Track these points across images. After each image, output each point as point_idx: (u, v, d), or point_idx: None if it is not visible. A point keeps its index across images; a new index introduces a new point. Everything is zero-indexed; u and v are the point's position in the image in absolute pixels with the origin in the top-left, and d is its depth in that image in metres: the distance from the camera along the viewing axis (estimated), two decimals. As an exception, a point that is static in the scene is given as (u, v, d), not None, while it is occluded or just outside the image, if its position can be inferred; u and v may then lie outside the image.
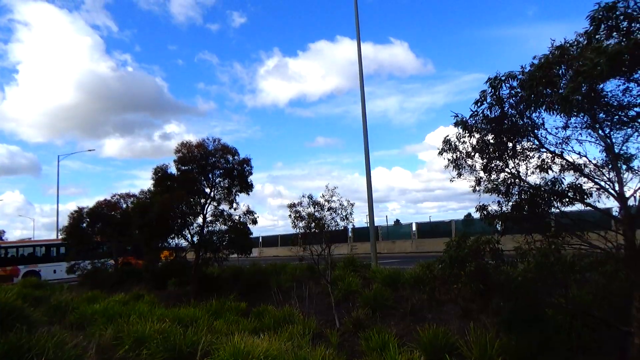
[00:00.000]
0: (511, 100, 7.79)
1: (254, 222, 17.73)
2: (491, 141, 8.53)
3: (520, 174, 8.77)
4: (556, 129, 7.81)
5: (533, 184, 8.54)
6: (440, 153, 9.39)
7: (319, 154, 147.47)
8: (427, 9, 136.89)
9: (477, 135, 8.55)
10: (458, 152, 9.26)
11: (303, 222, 12.30)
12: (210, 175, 17.81)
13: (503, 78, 7.58)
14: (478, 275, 7.55)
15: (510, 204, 8.65)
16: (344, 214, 12.21)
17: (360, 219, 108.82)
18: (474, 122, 8.30)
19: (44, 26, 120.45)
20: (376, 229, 33.92)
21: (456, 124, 8.53)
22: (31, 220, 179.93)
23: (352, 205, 12.32)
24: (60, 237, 26.20)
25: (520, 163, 8.82)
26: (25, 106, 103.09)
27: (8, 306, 6.98)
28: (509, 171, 8.93)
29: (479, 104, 8.02)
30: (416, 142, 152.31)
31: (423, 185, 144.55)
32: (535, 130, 8.06)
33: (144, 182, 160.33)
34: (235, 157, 17.88)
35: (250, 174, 18.03)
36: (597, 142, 7.54)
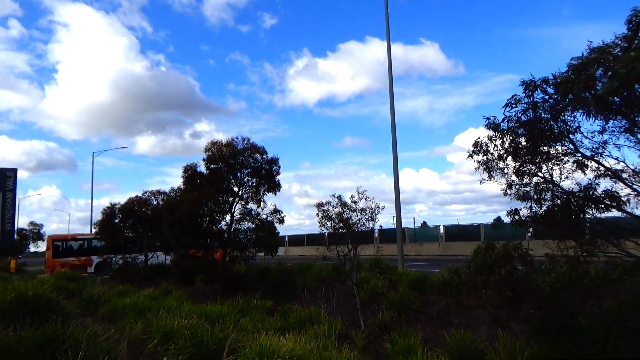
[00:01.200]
0: (545, 105, 7.65)
1: (281, 221, 17.81)
2: (524, 144, 8.39)
3: (554, 178, 8.61)
4: (592, 133, 7.64)
5: (567, 189, 8.35)
6: (471, 155, 9.32)
7: (346, 154, 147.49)
8: (459, 9, 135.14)
9: (509, 138, 8.43)
10: (489, 154, 9.18)
11: (330, 222, 12.36)
12: (238, 174, 18.01)
13: (538, 83, 7.45)
14: (507, 281, 7.44)
15: (543, 209, 8.51)
16: (370, 214, 12.23)
17: (386, 220, 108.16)
18: (506, 125, 8.19)
19: (82, 27, 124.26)
20: (403, 230, 33.63)
21: (488, 127, 8.44)
22: (67, 215, 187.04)
23: (380, 208, 12.35)
24: (94, 231, 27.09)
25: (553, 167, 8.67)
26: (64, 104, 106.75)
27: (44, 298, 7.21)
28: (541, 175, 8.79)
29: (511, 107, 7.91)
30: (445, 143, 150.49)
31: (451, 187, 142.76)
32: (570, 135, 7.89)
33: (174, 179, 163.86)
34: (264, 157, 18.02)
35: (278, 173, 18.14)
36: (636, 146, 7.32)
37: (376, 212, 12.26)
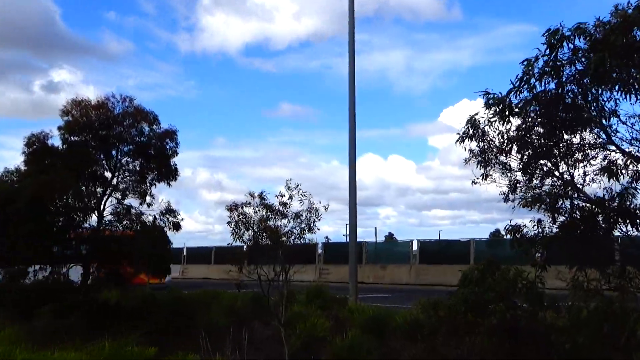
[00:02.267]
0: (573, 69, 7.81)
1: (177, 227, 17.73)
2: (538, 130, 8.58)
3: (575, 180, 8.88)
4: (633, 118, 7.90)
5: (592, 196, 8.63)
6: (462, 140, 9.49)
7: (283, 129, 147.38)
8: None
9: (516, 120, 8.60)
10: (487, 141, 9.37)
11: (250, 231, 12.35)
12: (114, 153, 17.75)
13: (568, 33, 7.56)
14: (507, 325, 7.62)
15: (558, 223, 8.77)
16: (308, 220, 12.37)
17: (336, 229, 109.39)
18: (515, 99, 8.33)
19: None
20: (359, 246, 34.56)
21: (488, 106, 8.57)
22: None
23: (323, 210, 12.45)
24: None
25: (576, 165, 8.94)
26: None
27: None
28: (558, 175, 9.04)
29: (523, 80, 8.03)
30: (426, 119, 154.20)
31: (432, 185, 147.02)
32: (603, 120, 8.13)
33: (10, 155, 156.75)
34: (155, 127, 17.83)
35: (176, 153, 17.98)
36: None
37: (316, 217, 12.34)
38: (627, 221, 8.22)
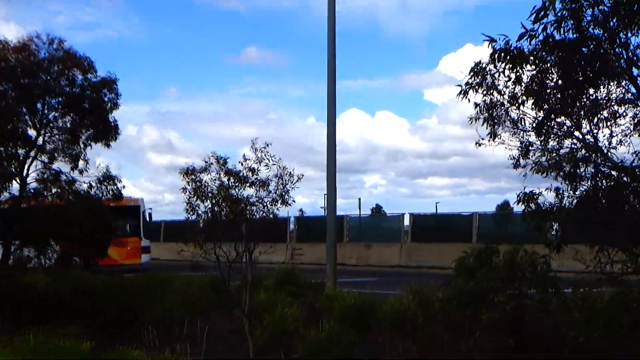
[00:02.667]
0: (596, 11, 7.79)
1: (117, 196, 17.73)
2: (556, 81, 8.57)
3: (600, 143, 8.90)
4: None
5: (619, 162, 8.66)
6: (465, 93, 9.47)
7: (249, 79, 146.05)
8: None
9: (531, 69, 8.58)
10: (496, 93, 9.37)
11: (207, 202, 12.42)
12: (39, 106, 17.66)
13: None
14: (513, 321, 7.70)
15: (578, 193, 8.81)
16: (280, 189, 12.45)
17: (312, 201, 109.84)
18: (528, 45, 8.33)
19: None
20: (339, 220, 33.86)
21: (496, 57, 8.55)
22: None
23: (297, 178, 12.55)
24: None
25: (600, 124, 8.95)
26: None
27: None
28: (579, 137, 9.05)
29: (539, 17, 8.01)
30: (423, 68, 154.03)
31: (429, 147, 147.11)
32: (634, 70, 8.13)
33: None
34: (90, 76, 17.71)
35: (116, 106, 17.87)
36: None
37: (289, 185, 12.39)
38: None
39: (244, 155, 12.43)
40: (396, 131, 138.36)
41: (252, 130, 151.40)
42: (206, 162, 12.43)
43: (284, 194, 12.44)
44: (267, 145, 12.32)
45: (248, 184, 12.41)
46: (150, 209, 38.28)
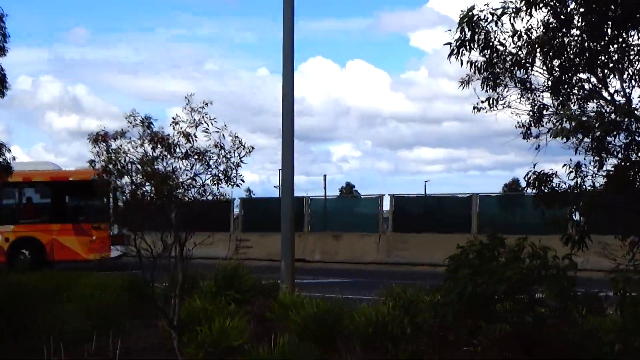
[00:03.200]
0: None
1: (5, 168, 17.90)
2: (576, 24, 8.57)
3: (634, 104, 8.90)
4: None
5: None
6: (455, 51, 9.37)
7: (181, 17, 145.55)
8: None
9: (542, 14, 8.63)
10: (496, 48, 9.30)
11: (126, 178, 12.50)
12: None
13: None
14: (520, 332, 7.70)
15: (605, 169, 8.78)
16: (226, 163, 12.52)
17: (264, 178, 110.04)
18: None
19: None
20: (299, 203, 34.27)
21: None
22: None
23: (249, 150, 12.63)
24: None
25: (633, 81, 8.94)
26: None
27: None
28: (607, 97, 9.04)
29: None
30: (408, 5, 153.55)
31: (416, 109, 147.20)
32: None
33: None
34: None
35: (3, 51, 17.70)
36: None
37: (236, 158, 12.42)
38: None
39: (175, 116, 12.38)
40: (373, 87, 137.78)
41: (185, 84, 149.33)
42: (130, 123, 12.29)
43: (229, 170, 12.46)
44: (207, 104, 12.21)
45: (181, 156, 12.38)
46: None
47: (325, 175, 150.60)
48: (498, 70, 9.45)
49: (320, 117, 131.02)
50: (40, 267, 28.38)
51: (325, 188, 78.46)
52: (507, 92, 9.65)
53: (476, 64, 9.48)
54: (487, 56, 9.40)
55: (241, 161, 12.44)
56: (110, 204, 31.90)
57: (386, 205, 35.84)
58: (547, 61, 9.16)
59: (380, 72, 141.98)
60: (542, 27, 9.08)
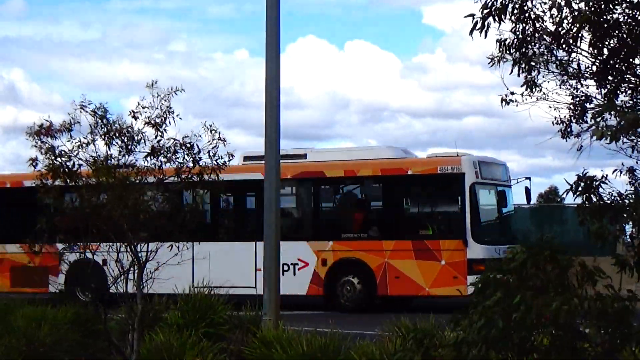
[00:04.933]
0: None
1: None
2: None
3: None
4: None
5: None
6: (481, 25, 9.27)
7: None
8: None
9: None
10: (532, 21, 9.29)
11: (74, 181, 12.78)
12: None
13: None
14: None
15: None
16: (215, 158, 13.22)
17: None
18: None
19: None
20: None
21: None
22: None
23: (223, 141, 13.41)
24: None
25: None
26: None
27: None
28: None
29: None
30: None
31: (431, 101, 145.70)
32: None
33: None
34: None
35: None
36: None
37: (219, 162, 13.12)
38: None
39: (140, 104, 12.76)
40: (379, 74, 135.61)
41: (146, 68, 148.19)
42: (81, 107, 12.43)
43: (206, 174, 12.58)
44: (176, 91, 12.23)
45: (148, 153, 12.72)
46: None
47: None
48: (533, 48, 9.45)
49: (313, 110, 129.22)
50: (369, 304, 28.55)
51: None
52: (543, 78, 9.65)
53: (506, 42, 9.45)
54: (520, 31, 9.39)
55: (224, 163, 12.53)
56: (466, 208, 29.12)
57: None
58: (595, 40, 9.15)
59: (388, 55, 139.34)
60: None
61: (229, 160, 12.88)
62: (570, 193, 9.04)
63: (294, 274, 30.27)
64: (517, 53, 9.46)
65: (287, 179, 29.98)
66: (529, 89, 9.68)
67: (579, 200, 8.96)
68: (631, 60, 9.20)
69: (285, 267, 28.47)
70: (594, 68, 9.31)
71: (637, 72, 9.25)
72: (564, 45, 9.27)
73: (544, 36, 9.36)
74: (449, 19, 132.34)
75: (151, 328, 13.73)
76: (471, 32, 9.21)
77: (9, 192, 33.99)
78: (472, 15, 9.15)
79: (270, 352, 13.90)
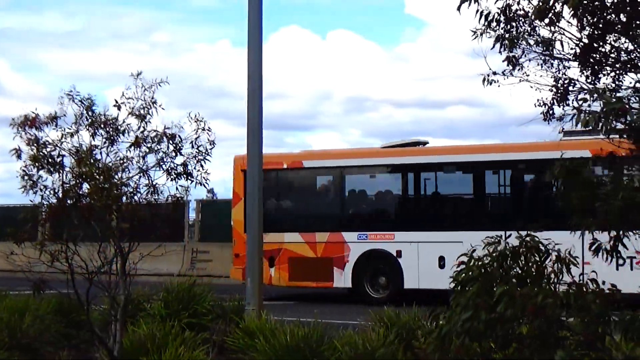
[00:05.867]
0: None
1: None
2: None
3: None
4: None
5: None
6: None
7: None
8: None
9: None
10: None
11: (58, 175, 12.49)
12: None
13: None
14: None
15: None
16: (200, 152, 12.91)
17: (225, 176, 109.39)
18: None
19: None
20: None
21: None
22: None
23: (212, 142, 12.95)
24: None
25: None
26: None
27: None
28: None
29: None
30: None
31: (415, 90, 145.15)
32: None
33: None
34: None
35: None
36: None
37: (202, 150, 12.75)
38: None
39: (124, 95, 12.49)
40: (362, 63, 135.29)
41: (128, 59, 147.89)
42: (66, 97, 12.36)
43: (190, 164, 12.69)
44: (160, 83, 12.21)
45: (131, 143, 12.54)
46: None
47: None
48: (517, 24, 9.44)
49: (297, 100, 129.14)
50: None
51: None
52: (525, 57, 9.66)
53: (490, 16, 9.36)
54: (503, 5, 9.35)
55: (207, 155, 12.49)
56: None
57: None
58: (578, 15, 9.11)
59: (370, 45, 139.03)
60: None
61: (211, 149, 12.68)
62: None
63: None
64: (501, 29, 9.44)
65: None
66: (510, 66, 9.68)
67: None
68: (614, 42, 9.20)
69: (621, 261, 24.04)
70: (577, 50, 9.29)
71: (621, 54, 9.24)
72: (547, 22, 9.24)
73: (527, 12, 9.35)
74: (431, 9, 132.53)
75: (134, 318, 13.71)
76: (459, 7, 9.17)
77: (287, 173, 30.67)
78: None
79: (253, 342, 13.88)
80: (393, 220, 29.72)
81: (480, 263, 8.35)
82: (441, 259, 26.48)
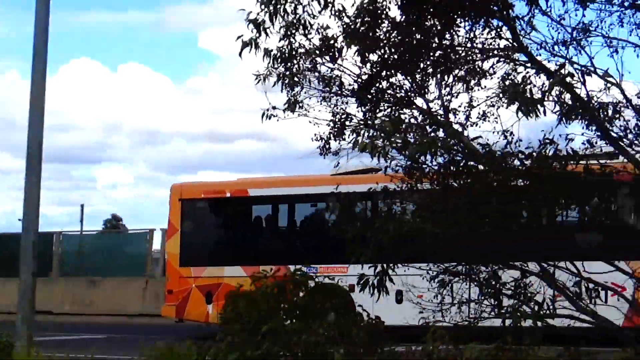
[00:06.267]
0: None
1: None
2: (395, 22, 9.03)
3: (453, 117, 9.13)
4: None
5: (482, 146, 8.88)
6: (253, 42, 9.36)
7: None
8: None
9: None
10: (302, 34, 9.35)
11: None
12: None
13: None
14: None
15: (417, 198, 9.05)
16: None
17: (10, 208, 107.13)
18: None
19: None
20: (45, 240, 34.53)
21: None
22: None
23: None
24: None
25: (454, 88, 9.20)
26: None
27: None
28: (423, 107, 9.24)
29: None
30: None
31: (206, 123, 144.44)
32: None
33: None
34: None
35: None
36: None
37: None
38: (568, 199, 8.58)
39: None
40: (153, 96, 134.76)
41: None
42: None
43: None
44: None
45: None
46: None
47: (82, 206, 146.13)
48: (299, 63, 9.49)
49: (85, 132, 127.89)
50: None
51: (82, 221, 75.69)
52: (305, 94, 9.70)
53: (274, 54, 9.43)
54: (287, 45, 9.43)
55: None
56: None
57: (157, 241, 35.93)
58: (361, 55, 9.23)
59: (162, 78, 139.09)
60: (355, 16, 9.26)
61: None
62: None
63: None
64: (283, 67, 9.47)
65: None
66: (289, 108, 9.73)
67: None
68: (391, 79, 9.33)
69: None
70: (356, 86, 9.40)
71: (396, 90, 9.38)
72: (328, 58, 9.32)
73: (310, 50, 9.41)
74: (223, 43, 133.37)
75: None
76: (240, 52, 9.38)
77: (230, 202, 29.33)
78: (241, 36, 9.41)
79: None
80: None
81: (248, 299, 8.42)
82: None
